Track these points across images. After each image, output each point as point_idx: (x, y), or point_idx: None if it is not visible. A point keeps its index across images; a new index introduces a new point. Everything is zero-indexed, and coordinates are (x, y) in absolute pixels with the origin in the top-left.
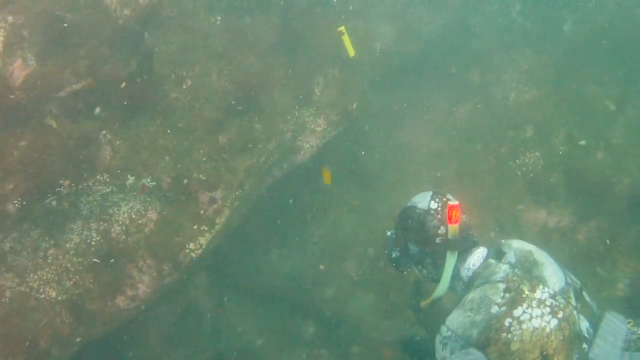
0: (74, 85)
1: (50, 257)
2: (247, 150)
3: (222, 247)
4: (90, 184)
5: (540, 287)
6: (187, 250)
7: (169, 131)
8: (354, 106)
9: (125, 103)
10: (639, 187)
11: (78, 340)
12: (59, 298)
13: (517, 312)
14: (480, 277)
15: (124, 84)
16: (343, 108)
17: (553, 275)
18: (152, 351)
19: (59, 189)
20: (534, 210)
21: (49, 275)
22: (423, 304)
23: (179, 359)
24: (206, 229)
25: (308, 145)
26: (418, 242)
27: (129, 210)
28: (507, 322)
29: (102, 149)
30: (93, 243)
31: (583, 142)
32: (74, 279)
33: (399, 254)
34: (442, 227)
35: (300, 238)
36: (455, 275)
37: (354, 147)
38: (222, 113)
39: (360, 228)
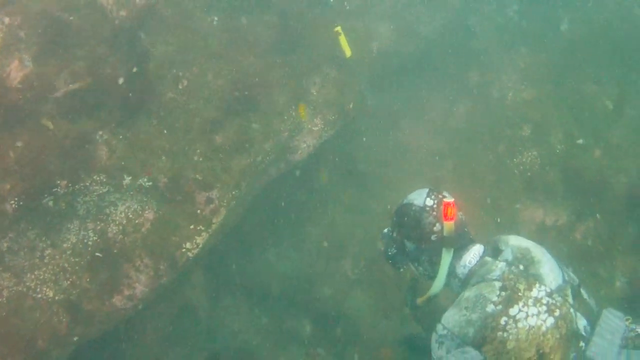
0: (70, 86)
1: (47, 257)
2: (244, 150)
3: (218, 247)
4: (87, 184)
5: (537, 285)
6: (184, 250)
7: (165, 131)
8: (351, 106)
9: (122, 103)
10: (636, 186)
11: (75, 339)
12: (56, 298)
13: (513, 310)
14: (476, 275)
15: (121, 80)
16: (340, 108)
17: (550, 273)
18: (149, 350)
19: (55, 189)
20: (531, 208)
21: (46, 275)
22: (419, 301)
23: (176, 358)
24: (203, 228)
25: (305, 145)
26: (414, 239)
27: (126, 210)
28: (503, 320)
29: (99, 149)
30: (90, 243)
31: (581, 141)
32: (71, 279)
33: (395, 251)
34: (437, 224)
35: (297, 237)
36: (451, 272)
37: (351, 146)
38: (218, 113)
39: (357, 227)
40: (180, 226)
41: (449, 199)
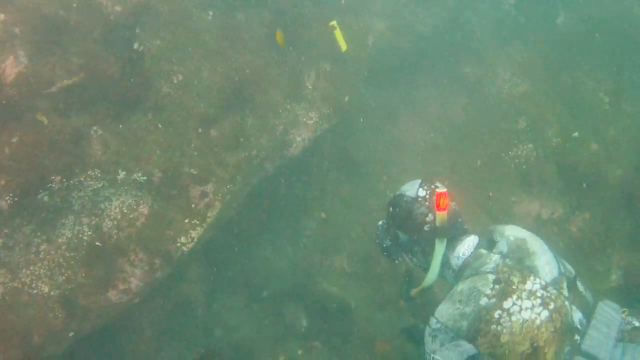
0: (65, 81)
1: (42, 253)
2: (239, 145)
3: (214, 241)
4: (82, 179)
5: (532, 277)
6: (179, 244)
7: (160, 126)
8: (346, 100)
9: (117, 98)
10: (631, 179)
11: (71, 335)
12: (52, 293)
13: (507, 303)
14: (470, 268)
15: (116, 75)
16: (335, 102)
17: (546, 265)
18: (145, 345)
19: (50, 184)
20: (527, 201)
21: (42, 270)
22: (413, 292)
23: (172, 353)
24: (197, 222)
25: (300, 139)
26: (406, 230)
27: (121, 205)
28: (496, 314)
29: (93, 144)
30: (85, 238)
31: (576, 134)
32: (66, 274)
33: (389, 243)
34: (430, 215)
35: (293, 232)
36: (445, 263)
37: (346, 141)
38: (213, 108)
39: (353, 221)
40: (174, 220)
41: (442, 189)
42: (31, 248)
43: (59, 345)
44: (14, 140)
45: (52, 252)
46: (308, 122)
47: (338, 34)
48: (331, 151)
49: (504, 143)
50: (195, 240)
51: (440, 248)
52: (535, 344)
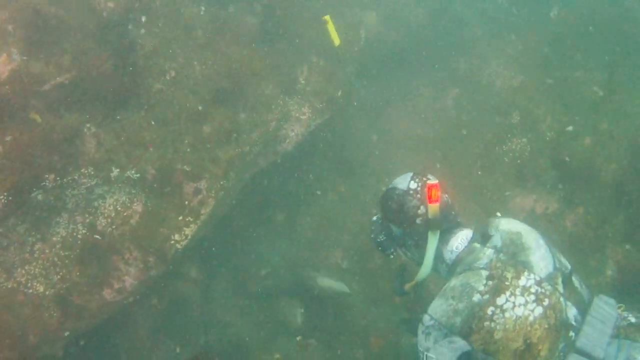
0: (57, 79)
1: (37, 252)
2: (232, 140)
3: (208, 238)
4: (75, 177)
5: (526, 273)
6: (173, 242)
7: (153, 123)
8: (339, 94)
9: (110, 95)
10: (626, 173)
11: (67, 334)
12: (47, 292)
13: (500, 300)
14: (463, 263)
15: (109, 72)
16: (328, 96)
17: (541, 260)
18: (141, 343)
19: (44, 183)
20: (521, 196)
21: (37, 269)
22: (407, 286)
23: (167, 351)
24: (191, 219)
25: (293, 134)
26: (399, 224)
27: (114, 203)
28: (490, 310)
29: (87, 142)
30: (79, 236)
31: (570, 128)
32: (61, 273)
33: (384, 237)
34: (422, 207)
35: (287, 227)
36: (439, 257)
37: (339, 136)
38: (206, 103)
39: (347, 216)
40: (168, 218)
41: (433, 181)
42: (26, 247)
43: (54, 345)
44: (8, 139)
45: (47, 251)
46: (301, 117)
47: (331, 29)
48: (325, 146)
49: (497, 137)
50: (189, 237)
51: (433, 241)
52: (528, 341)
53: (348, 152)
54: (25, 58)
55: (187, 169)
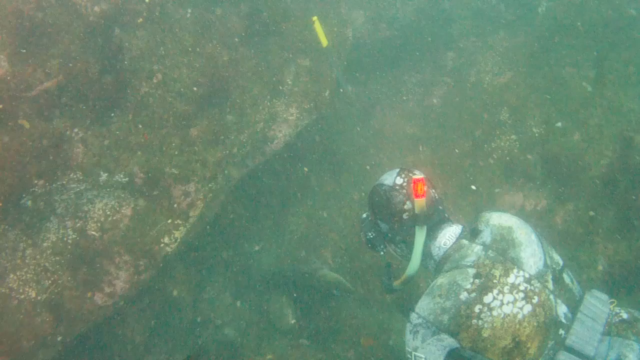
0: (45, 84)
1: (28, 257)
2: (219, 142)
3: (198, 240)
4: (64, 182)
5: (515, 270)
6: (162, 245)
7: (140, 126)
8: (327, 94)
9: (97, 100)
10: (615, 168)
11: (59, 339)
12: (39, 298)
13: (487, 298)
14: (450, 260)
15: (96, 76)
16: (315, 96)
17: (531, 257)
18: (133, 347)
19: (33, 188)
20: (510, 193)
21: (28, 275)
22: (396, 283)
23: (160, 354)
24: (180, 222)
25: (281, 135)
26: (386, 220)
27: (104, 207)
28: (477, 308)
29: (75, 147)
30: (69, 241)
31: (559, 124)
32: (52, 278)
33: (373, 234)
34: (408, 202)
35: (278, 227)
36: (427, 253)
37: (328, 135)
38: (193, 106)
39: (337, 215)
40: (158, 221)
41: (419, 176)
42: (17, 253)
43: (48, 350)
44: None
45: (38, 256)
46: (289, 117)
47: (319, 30)
48: (313, 145)
49: (486, 134)
50: (179, 240)
51: (420, 236)
52: (517, 339)
53: (336, 151)
54: (12, 64)
55: (175, 172)
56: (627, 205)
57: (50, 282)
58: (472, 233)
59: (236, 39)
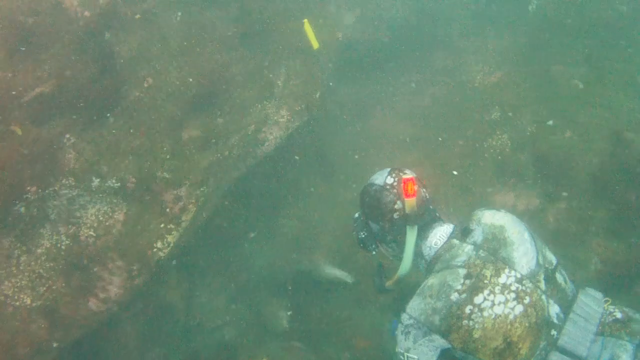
0: (36, 89)
1: (22, 264)
2: (211, 146)
3: (191, 244)
4: (57, 188)
5: (506, 270)
6: (155, 250)
7: (132, 131)
8: (317, 96)
9: (88, 105)
10: (607, 166)
11: (55, 345)
12: (34, 304)
13: (478, 299)
14: (441, 260)
15: (87, 81)
16: (306, 98)
17: (523, 256)
18: (128, 352)
19: (26, 195)
20: (502, 192)
21: (23, 282)
22: (388, 283)
23: (155, 359)
24: (173, 227)
25: (272, 137)
26: (377, 219)
27: (96, 213)
28: (468, 309)
29: (66, 153)
30: (63, 247)
31: (551, 122)
32: (47, 284)
33: (365, 234)
34: (398, 202)
35: (270, 230)
36: (418, 252)
37: (319, 136)
38: (184, 110)
39: (330, 216)
40: (150, 226)
41: (409, 176)
42: (12, 260)
43: (43, 357)
44: None
45: (32, 263)
46: (280, 120)
47: (309, 33)
48: (305, 147)
49: (477, 133)
50: (172, 244)
51: (411, 236)
52: (508, 339)
53: (328, 153)
54: (4, 69)
55: (167, 176)
56: (619, 202)
57: (44, 288)
58: (464, 232)
59: (226, 42)
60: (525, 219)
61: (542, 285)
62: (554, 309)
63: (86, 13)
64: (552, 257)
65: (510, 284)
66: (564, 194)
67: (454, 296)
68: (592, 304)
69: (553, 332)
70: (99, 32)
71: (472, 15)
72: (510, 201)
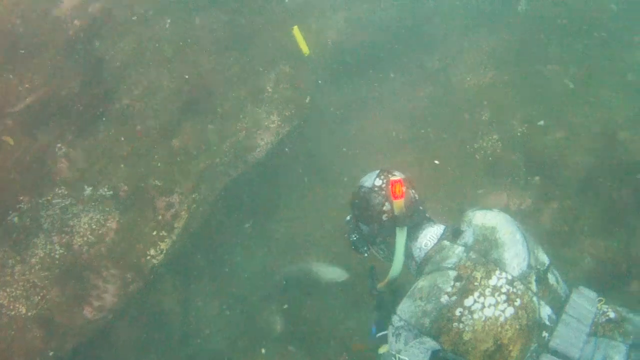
0: (27, 99)
1: (17, 274)
2: (202, 152)
3: (185, 251)
4: (49, 197)
5: (497, 272)
6: (149, 257)
7: (123, 138)
8: (307, 100)
9: (79, 113)
10: (599, 165)
11: (51, 354)
12: (29, 313)
13: (468, 301)
14: (431, 262)
15: (77, 90)
16: (296, 103)
17: (514, 257)
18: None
19: (19, 205)
20: (494, 194)
21: (18, 291)
22: (380, 285)
23: None
24: (165, 234)
25: (263, 143)
26: (367, 221)
27: (89, 221)
28: (457, 311)
29: (59, 162)
30: (57, 256)
31: (542, 122)
32: (41, 294)
33: (357, 236)
34: (387, 204)
35: (263, 235)
36: (409, 254)
37: (310, 141)
38: (175, 116)
39: (322, 220)
40: (143, 233)
41: (396, 177)
42: (6, 270)
43: None
44: None
45: (27, 272)
46: (270, 125)
47: (299, 39)
48: (296, 151)
49: (469, 135)
50: (165, 251)
51: (401, 237)
52: (499, 342)
53: (320, 157)
54: None
55: (159, 184)
56: (611, 201)
57: (39, 297)
58: (454, 234)
59: (216, 48)
60: (517, 219)
61: (534, 286)
62: (545, 311)
63: (76, 22)
64: (544, 258)
65: (501, 286)
66: (556, 193)
67: (444, 298)
68: (585, 304)
69: (545, 334)
70: (89, 40)
71: (463, 16)
72: (503, 202)
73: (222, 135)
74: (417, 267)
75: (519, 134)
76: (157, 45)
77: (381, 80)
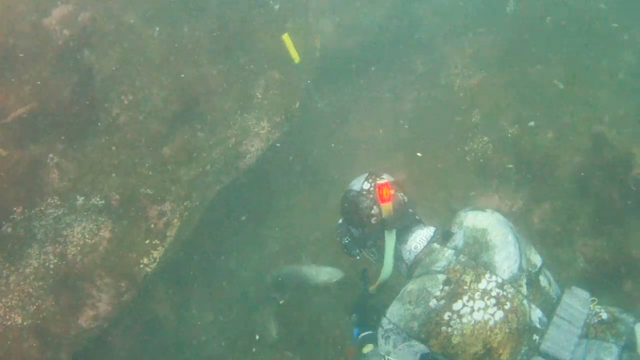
0: (18, 110)
1: (12, 284)
2: (192, 160)
3: (178, 259)
4: (42, 207)
5: (487, 275)
6: (142, 265)
7: (113, 148)
8: (297, 106)
9: (70, 124)
10: (590, 165)
11: None
12: (25, 323)
13: (457, 305)
14: (421, 265)
15: (68, 100)
16: (286, 108)
17: (505, 260)
18: None
19: (12, 215)
20: (486, 196)
21: (13, 301)
22: (372, 288)
23: None
24: (158, 242)
25: (253, 149)
26: (356, 225)
27: (82, 230)
28: (446, 315)
29: (51, 172)
30: (51, 266)
31: (532, 123)
32: (36, 303)
33: (348, 240)
34: (375, 207)
35: (256, 241)
36: (399, 256)
37: (301, 146)
38: (164, 125)
39: (314, 225)
40: (135, 242)
41: (384, 180)
42: (1, 280)
43: None
44: None
45: (22, 282)
46: (260, 131)
47: (290, 46)
48: (287, 157)
49: (459, 137)
50: (158, 260)
51: (390, 240)
52: (488, 345)
53: (311, 162)
54: None
55: (150, 192)
56: (602, 200)
57: (34, 307)
58: (445, 236)
59: (205, 55)
60: (509, 221)
61: (524, 289)
62: (536, 314)
63: (65, 32)
64: (537, 259)
65: (491, 290)
66: (548, 193)
67: (433, 302)
68: (577, 305)
69: (535, 337)
70: (78, 50)
71: (450, 18)
72: (494, 203)
73: (213, 142)
74: (408, 269)
75: (509, 135)
76: (146, 54)
77: (371, 84)
